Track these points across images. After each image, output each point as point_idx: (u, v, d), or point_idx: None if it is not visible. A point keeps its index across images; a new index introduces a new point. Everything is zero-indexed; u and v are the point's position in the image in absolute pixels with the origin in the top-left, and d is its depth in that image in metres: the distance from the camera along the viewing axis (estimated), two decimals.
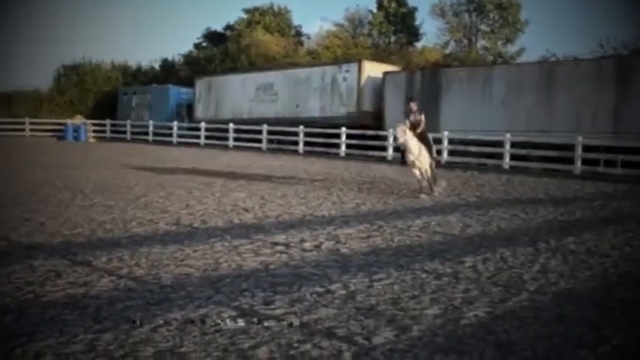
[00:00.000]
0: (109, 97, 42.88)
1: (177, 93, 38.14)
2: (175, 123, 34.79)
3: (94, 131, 39.78)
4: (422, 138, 13.80)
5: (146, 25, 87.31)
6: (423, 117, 14.02)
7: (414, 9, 47.76)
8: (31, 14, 78.81)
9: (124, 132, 38.49)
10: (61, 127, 39.19)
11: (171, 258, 7.15)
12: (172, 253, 7.38)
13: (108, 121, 39.85)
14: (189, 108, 36.66)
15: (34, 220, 9.49)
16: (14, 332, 4.61)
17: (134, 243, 8.01)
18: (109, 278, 6.23)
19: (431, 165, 14.00)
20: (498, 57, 43.24)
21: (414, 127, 13.71)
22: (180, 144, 33.27)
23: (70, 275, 6.30)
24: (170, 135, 34.70)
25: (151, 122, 36.33)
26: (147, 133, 36.40)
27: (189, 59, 48.43)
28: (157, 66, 50.14)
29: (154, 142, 34.90)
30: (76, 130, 38.65)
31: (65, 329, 4.69)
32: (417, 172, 13.77)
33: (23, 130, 39.66)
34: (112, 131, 39.57)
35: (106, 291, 5.79)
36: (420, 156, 13.52)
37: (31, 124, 39.88)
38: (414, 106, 14.12)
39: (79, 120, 40.31)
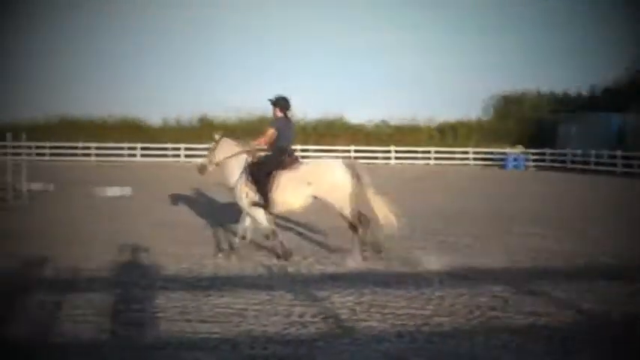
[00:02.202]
0: (542, 126, 42.85)
1: (618, 120, 36.01)
2: (619, 152, 32.84)
3: (534, 160, 40.21)
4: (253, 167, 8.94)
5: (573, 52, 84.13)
6: (269, 131, 8.95)
7: None
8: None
9: (564, 161, 37.93)
10: (502, 157, 40.82)
11: None
12: None
13: (546, 150, 39.87)
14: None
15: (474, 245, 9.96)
16: None
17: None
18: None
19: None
20: None
21: None
22: (625, 174, 31.26)
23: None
24: (613, 165, 32.98)
25: (592, 152, 35.04)
26: (587, 162, 35.26)
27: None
28: (584, 92, 48.18)
29: (594, 171, 33.56)
30: (516, 159, 39.81)
31: None
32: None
33: (467, 158, 42.46)
34: (550, 160, 39.35)
35: None
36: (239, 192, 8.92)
37: (474, 153, 42.46)
38: (277, 112, 9.15)
39: (518, 149, 41.24)
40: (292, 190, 8.70)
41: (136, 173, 29.53)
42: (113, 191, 17.74)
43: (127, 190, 18.00)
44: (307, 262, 8.45)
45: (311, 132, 44.68)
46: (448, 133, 46.02)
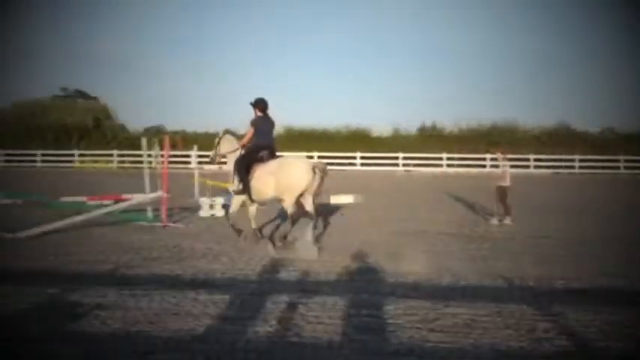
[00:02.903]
0: None
1: None
2: None
3: None
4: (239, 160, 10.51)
5: None
6: (250, 130, 10.50)
7: None
8: None
9: None
10: None
11: None
12: None
13: None
14: None
15: None
16: None
17: None
18: None
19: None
20: None
21: None
22: None
23: None
24: None
25: None
26: None
27: None
28: None
29: None
30: None
31: None
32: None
33: None
34: None
35: None
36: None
37: None
38: (257, 112, 10.53)
39: None
40: (263, 181, 10.02)
41: (361, 182, 30.51)
42: (342, 199, 18.24)
43: (356, 198, 18.46)
44: (536, 274, 8.11)
45: (532, 140, 43.15)
46: None
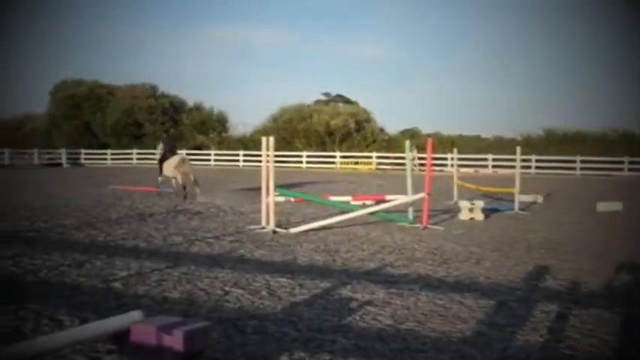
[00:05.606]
0: None
1: None
2: None
3: None
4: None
5: None
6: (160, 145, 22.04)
7: None
8: None
9: None
10: None
11: None
12: None
13: None
14: None
15: None
16: None
17: None
18: None
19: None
20: None
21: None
22: None
23: None
24: None
25: None
26: None
27: None
28: None
29: None
30: None
31: None
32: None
33: None
34: None
35: None
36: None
37: None
38: (166, 137, 24.94)
39: None
40: (165, 168, 18.72)
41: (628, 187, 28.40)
42: (609, 206, 17.04)
43: (617, 206, 17.19)
44: None
45: None
46: None
